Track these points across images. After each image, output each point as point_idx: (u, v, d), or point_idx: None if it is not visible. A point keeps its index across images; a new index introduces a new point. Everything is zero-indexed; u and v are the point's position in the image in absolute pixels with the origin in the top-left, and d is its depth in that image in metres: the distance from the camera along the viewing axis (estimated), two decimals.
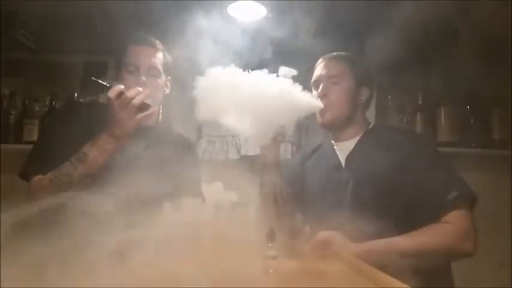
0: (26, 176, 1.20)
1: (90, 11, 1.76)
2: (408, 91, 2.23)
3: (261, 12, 1.75)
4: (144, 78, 1.22)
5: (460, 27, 1.80)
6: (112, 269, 0.78)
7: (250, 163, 2.15)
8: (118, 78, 1.24)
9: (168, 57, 1.33)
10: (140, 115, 1.13)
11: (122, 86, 1.11)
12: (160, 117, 2.18)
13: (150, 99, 1.19)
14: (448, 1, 1.54)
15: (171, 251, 1.07)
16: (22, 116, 2.14)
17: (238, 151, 2.20)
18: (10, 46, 1.99)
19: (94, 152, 1.12)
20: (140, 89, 1.13)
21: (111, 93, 1.09)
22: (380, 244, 1.08)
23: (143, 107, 1.13)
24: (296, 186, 1.34)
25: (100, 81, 1.15)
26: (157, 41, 1.31)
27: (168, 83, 1.36)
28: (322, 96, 1.27)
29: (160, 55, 1.29)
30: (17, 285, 0.71)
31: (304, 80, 1.24)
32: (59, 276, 0.72)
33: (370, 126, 1.33)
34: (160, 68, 1.28)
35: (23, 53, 2.19)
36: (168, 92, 1.37)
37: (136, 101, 1.10)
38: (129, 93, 1.10)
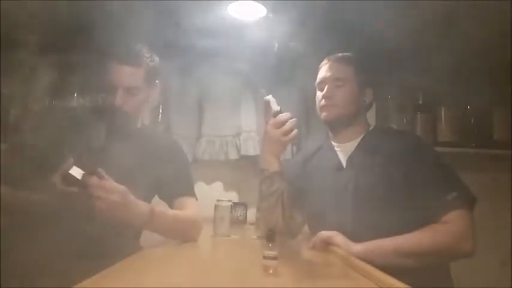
0: None
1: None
2: (408, 91, 2.22)
3: (261, 12, 1.74)
4: (120, 99, 1.17)
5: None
6: None
7: (250, 163, 2.15)
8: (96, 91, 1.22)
9: (154, 62, 1.26)
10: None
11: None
12: (160, 117, 2.16)
13: (130, 115, 1.20)
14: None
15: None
16: None
17: (238, 151, 2.19)
18: None
19: None
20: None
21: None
22: (380, 244, 1.09)
23: None
24: (296, 186, 1.34)
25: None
26: (140, 54, 1.22)
27: (156, 88, 1.30)
28: (326, 98, 1.27)
29: (141, 72, 1.20)
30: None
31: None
32: None
33: (371, 127, 1.33)
34: (141, 85, 1.21)
35: None
36: (155, 96, 1.33)
37: None
38: None
